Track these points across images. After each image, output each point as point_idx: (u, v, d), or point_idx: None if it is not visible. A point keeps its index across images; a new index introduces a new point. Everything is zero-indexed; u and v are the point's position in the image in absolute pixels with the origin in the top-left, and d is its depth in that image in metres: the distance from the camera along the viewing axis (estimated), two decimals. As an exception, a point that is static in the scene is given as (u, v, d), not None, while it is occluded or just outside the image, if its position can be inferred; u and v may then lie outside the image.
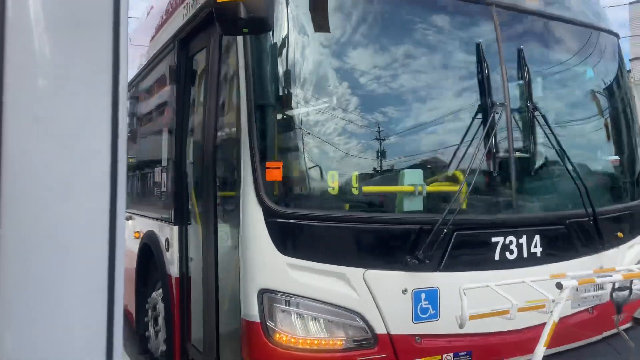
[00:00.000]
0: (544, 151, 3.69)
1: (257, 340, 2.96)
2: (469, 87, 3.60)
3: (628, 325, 3.86)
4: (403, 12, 3.49)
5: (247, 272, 3.00)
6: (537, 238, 3.55)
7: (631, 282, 3.09)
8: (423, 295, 3.18)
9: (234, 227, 3.38)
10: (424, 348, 3.17)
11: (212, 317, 3.63)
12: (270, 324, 2.95)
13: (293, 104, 3.09)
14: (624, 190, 4.40)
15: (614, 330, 3.40)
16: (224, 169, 3.62)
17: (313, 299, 2.97)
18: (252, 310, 2.98)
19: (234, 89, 3.34)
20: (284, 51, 3.07)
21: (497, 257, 3.41)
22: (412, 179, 3.34)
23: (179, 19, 4.33)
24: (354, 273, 3.03)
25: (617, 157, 4.37)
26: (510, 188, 3.55)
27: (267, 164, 2.99)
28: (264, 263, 2.97)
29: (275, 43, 3.07)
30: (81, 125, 1.10)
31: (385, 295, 3.08)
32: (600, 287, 3.08)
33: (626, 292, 3.08)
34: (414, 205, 3.35)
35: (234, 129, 3.33)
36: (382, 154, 3.36)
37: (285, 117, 3.10)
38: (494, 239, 3.41)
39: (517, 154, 3.58)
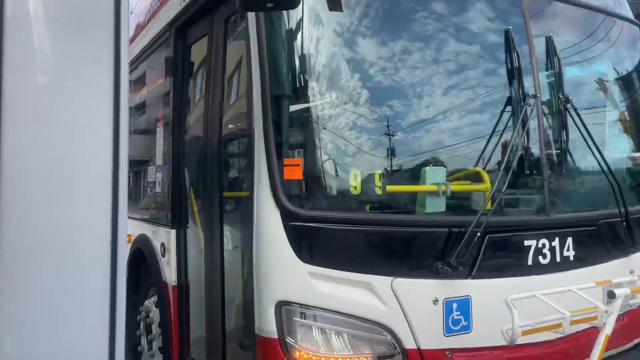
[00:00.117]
0: (575, 147, 3.43)
1: (275, 358, 2.64)
2: (496, 78, 3.32)
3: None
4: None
5: (263, 282, 2.68)
6: (569, 240, 3.29)
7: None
8: (455, 306, 2.90)
9: (244, 230, 3.06)
10: (455, 363, 2.89)
11: (217, 331, 3.30)
12: (289, 340, 2.63)
13: (314, 94, 2.77)
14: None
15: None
16: (232, 167, 3.29)
17: (337, 312, 2.66)
18: (268, 325, 2.66)
19: (244, 79, 3.01)
20: (305, 34, 2.75)
21: (530, 262, 3.14)
22: (434, 177, 3.06)
23: (175, 5, 3.98)
24: (381, 282, 2.73)
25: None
26: (542, 186, 3.28)
27: (285, 160, 2.67)
28: (282, 272, 2.65)
29: (296, 25, 2.75)
30: (82, 124, 1.08)
31: (414, 306, 2.79)
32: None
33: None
34: (437, 206, 3.07)
35: (244, 123, 3.01)
36: (406, 151, 3.08)
37: (304, 109, 2.77)
38: (526, 242, 3.14)
39: (548, 149, 3.32)
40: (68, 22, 1.07)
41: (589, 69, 3.73)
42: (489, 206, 2.94)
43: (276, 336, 2.64)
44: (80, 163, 1.08)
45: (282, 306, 2.64)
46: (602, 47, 3.76)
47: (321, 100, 2.78)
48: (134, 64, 5.18)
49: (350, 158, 2.81)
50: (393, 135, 2.93)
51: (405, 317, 2.77)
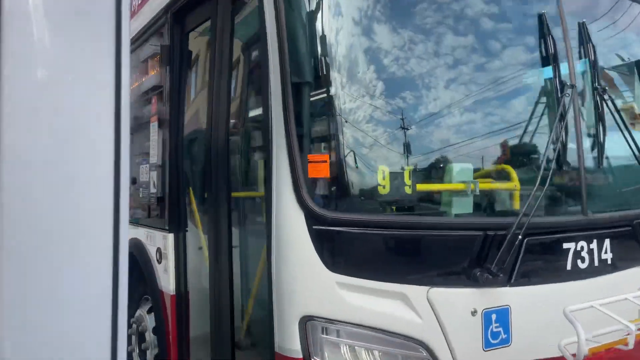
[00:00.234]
0: (612, 140, 3.18)
1: (299, 380, 2.33)
2: (529, 68, 3.06)
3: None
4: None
5: (286, 293, 2.37)
6: (607, 242, 3.05)
7: None
8: (494, 317, 2.62)
9: (257, 235, 2.74)
10: (494, 380, 2.61)
11: (225, 348, 2.97)
12: (316, 360, 2.33)
13: (342, 81, 2.46)
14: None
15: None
16: (242, 164, 2.96)
17: (369, 327, 2.36)
18: (291, 343, 2.35)
19: (257, 65, 2.69)
20: (333, 9, 2.43)
21: (569, 267, 2.88)
22: (462, 175, 2.78)
23: (171, -13, 3.64)
24: (416, 292, 2.44)
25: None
26: (579, 184, 3.02)
27: (310, 156, 2.36)
28: (308, 282, 2.34)
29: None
30: (82, 119, 1.05)
31: (452, 318, 2.50)
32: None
33: None
34: (464, 206, 2.80)
35: (257, 116, 2.69)
36: (434, 146, 2.78)
37: (331, 98, 2.45)
38: (565, 245, 2.88)
39: (585, 143, 3.06)
40: (68, 13, 1.04)
41: (627, 57, 3.48)
42: (527, 206, 2.67)
43: (300, 355, 2.33)
44: (81, 159, 1.05)
45: (308, 321, 2.33)
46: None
47: (351, 88, 2.47)
48: None
49: (383, 153, 2.51)
50: (425, 129, 2.64)
51: (442, 331, 2.48)
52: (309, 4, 2.43)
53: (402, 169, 2.52)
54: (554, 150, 2.84)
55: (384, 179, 2.49)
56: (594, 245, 2.98)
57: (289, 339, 2.35)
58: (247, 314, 2.95)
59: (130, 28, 3.94)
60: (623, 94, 3.61)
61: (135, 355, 4.09)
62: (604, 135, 3.11)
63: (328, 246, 2.34)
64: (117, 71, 1.08)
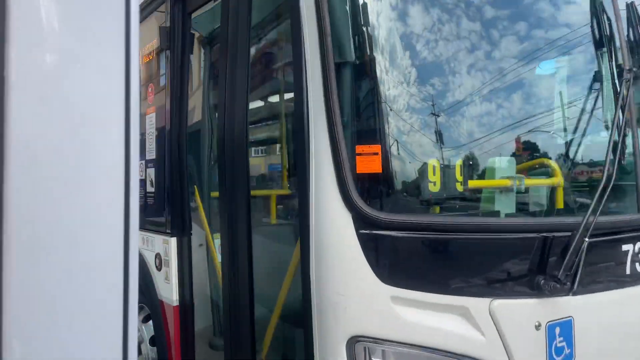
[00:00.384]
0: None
1: (347, 412, 1.99)
2: (582, 51, 2.77)
3: None
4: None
5: (330, 309, 2.01)
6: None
7: None
8: (557, 330, 2.32)
9: (286, 240, 2.39)
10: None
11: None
12: (368, 388, 1.98)
13: (395, 61, 2.11)
14: None
15: None
16: (265, 158, 2.59)
17: (428, 348, 2.03)
18: (337, 367, 2.00)
19: (287, 44, 2.33)
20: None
21: (628, 271, 2.60)
22: (505, 169, 2.50)
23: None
24: (479, 305, 2.11)
25: None
26: (634, 179, 2.75)
27: (359, 148, 2.01)
28: (357, 297, 1.99)
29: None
30: (92, 107, 1.01)
31: (516, 333, 2.19)
32: None
33: None
34: (506, 204, 2.51)
35: (285, 103, 2.32)
36: (483, 139, 2.47)
37: (382, 79, 2.10)
38: (624, 247, 2.61)
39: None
40: None
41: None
42: (594, 205, 2.37)
43: (349, 382, 1.99)
44: (91, 150, 1.00)
45: (357, 342, 1.98)
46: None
47: (406, 70, 2.12)
48: None
49: (442, 147, 2.17)
50: (481, 118, 2.32)
51: (506, 349, 2.16)
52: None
53: (476, 164, 2.19)
54: (617, 142, 2.55)
55: (447, 175, 2.15)
56: (652, 246, 2.72)
57: (335, 363, 2.00)
58: (270, 330, 2.59)
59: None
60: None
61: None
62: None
63: (381, 254, 1.99)
64: (126, 57, 1.04)
